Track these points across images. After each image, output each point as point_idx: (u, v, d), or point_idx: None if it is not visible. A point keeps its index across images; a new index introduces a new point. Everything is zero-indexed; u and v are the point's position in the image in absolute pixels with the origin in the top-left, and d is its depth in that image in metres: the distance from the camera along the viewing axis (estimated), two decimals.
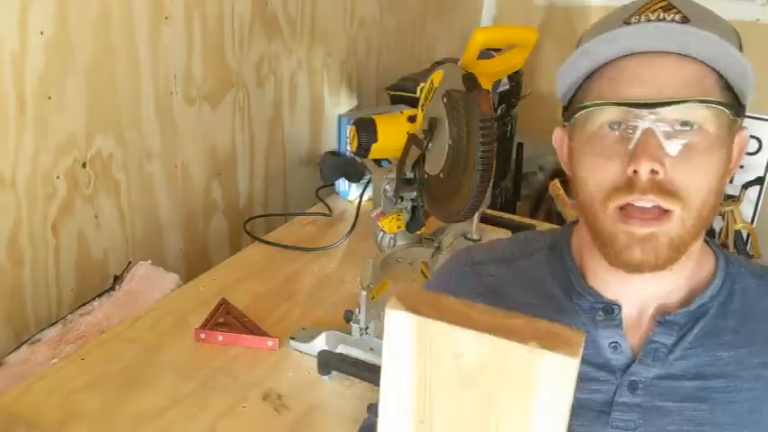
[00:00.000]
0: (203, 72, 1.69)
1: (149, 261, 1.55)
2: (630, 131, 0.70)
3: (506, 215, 1.96)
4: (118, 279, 1.51)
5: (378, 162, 1.65)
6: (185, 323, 1.39)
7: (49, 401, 1.18)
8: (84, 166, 1.47)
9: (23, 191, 1.36)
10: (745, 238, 2.34)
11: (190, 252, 1.79)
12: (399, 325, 0.46)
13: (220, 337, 1.34)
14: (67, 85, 1.40)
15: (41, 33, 1.32)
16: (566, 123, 0.79)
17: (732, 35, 0.76)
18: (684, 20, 0.71)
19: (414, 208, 1.51)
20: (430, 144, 1.37)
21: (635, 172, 0.69)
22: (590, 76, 0.75)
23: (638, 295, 0.79)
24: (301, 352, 1.32)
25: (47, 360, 1.31)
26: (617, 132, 0.72)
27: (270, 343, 1.33)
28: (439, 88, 1.36)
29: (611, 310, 0.79)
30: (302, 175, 2.10)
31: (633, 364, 0.78)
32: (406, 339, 0.46)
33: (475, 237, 1.61)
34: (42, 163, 1.39)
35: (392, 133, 1.53)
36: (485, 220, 1.69)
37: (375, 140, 1.52)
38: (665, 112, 0.69)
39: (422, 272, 1.51)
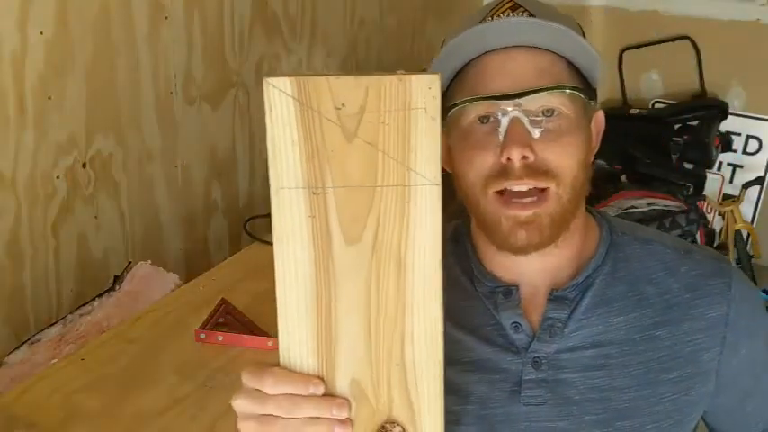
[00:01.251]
0: (203, 72, 1.69)
1: (149, 261, 1.55)
2: (499, 123, 0.76)
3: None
4: (118, 279, 1.51)
5: None
6: (185, 323, 1.39)
7: (49, 401, 1.18)
8: (84, 166, 1.47)
9: (23, 191, 1.37)
10: (745, 238, 2.35)
11: (190, 252, 1.79)
12: (280, 92, 0.49)
13: (220, 337, 1.34)
14: (67, 85, 1.40)
15: (41, 33, 1.32)
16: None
17: (575, 26, 0.82)
18: (530, 16, 0.78)
19: None
20: None
21: (508, 159, 0.75)
22: (455, 77, 0.81)
23: (532, 274, 0.83)
24: None
25: (47, 360, 1.31)
26: (487, 125, 0.77)
27: (270, 343, 1.33)
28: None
29: (509, 291, 0.83)
30: None
31: (533, 342, 0.81)
32: (289, 106, 0.49)
33: None
34: (42, 163, 1.39)
35: None
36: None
37: None
38: (527, 101, 0.75)
39: None
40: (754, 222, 2.40)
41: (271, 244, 0.57)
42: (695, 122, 2.37)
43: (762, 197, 2.41)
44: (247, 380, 0.63)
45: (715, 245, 2.21)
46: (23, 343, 1.36)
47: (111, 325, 1.40)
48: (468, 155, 0.78)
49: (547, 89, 0.76)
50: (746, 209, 2.37)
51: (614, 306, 0.81)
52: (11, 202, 1.35)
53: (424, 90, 0.50)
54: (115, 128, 1.52)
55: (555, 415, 0.80)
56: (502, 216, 0.77)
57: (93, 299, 1.47)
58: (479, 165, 0.77)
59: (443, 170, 0.55)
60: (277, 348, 1.32)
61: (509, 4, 0.80)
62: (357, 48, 2.21)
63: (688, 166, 2.28)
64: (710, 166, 2.35)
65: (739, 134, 2.45)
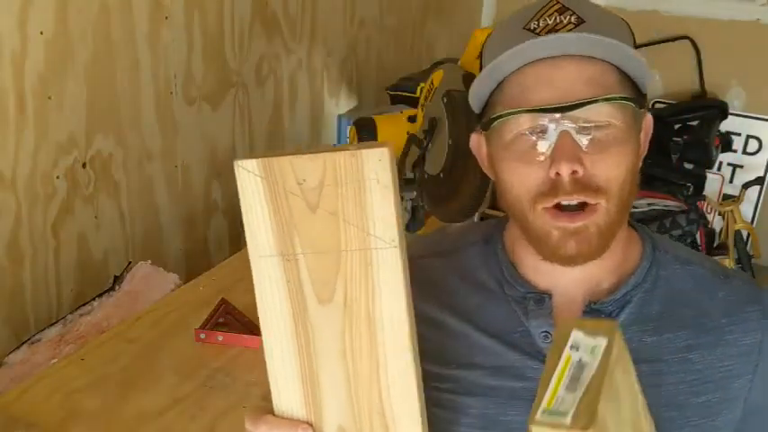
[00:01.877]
0: (203, 72, 1.69)
1: (149, 261, 1.55)
2: (546, 135, 0.74)
3: (506, 215, 1.95)
4: (118, 279, 1.51)
5: None
6: (185, 323, 1.39)
7: (49, 401, 1.18)
8: (84, 166, 1.47)
9: (23, 191, 1.36)
10: (745, 238, 2.34)
11: (190, 252, 1.79)
12: (248, 172, 0.55)
13: (220, 337, 1.34)
14: (67, 85, 1.40)
15: (41, 33, 1.32)
16: (483, 131, 0.82)
17: (624, 29, 0.80)
18: (579, 20, 0.75)
19: (414, 208, 1.52)
20: (430, 144, 1.37)
21: (557, 174, 0.73)
22: (500, 84, 0.79)
23: (569, 285, 0.82)
24: None
25: (47, 360, 1.31)
26: (533, 137, 0.75)
27: None
28: (439, 88, 1.36)
29: (541, 299, 0.82)
30: None
31: None
32: (257, 184, 0.55)
33: None
34: (42, 163, 1.39)
35: (392, 133, 1.53)
36: (485, 219, 1.70)
37: (375, 140, 1.52)
38: (575, 113, 0.73)
39: None
40: (754, 222, 2.40)
41: None
42: (695, 122, 2.37)
43: (762, 197, 2.41)
44: (248, 425, 0.65)
45: (715, 245, 2.21)
46: (23, 343, 1.36)
47: (111, 325, 1.40)
48: (513, 166, 0.76)
49: (596, 101, 0.73)
50: (746, 209, 2.37)
51: (649, 325, 0.80)
52: (11, 202, 1.35)
53: (375, 162, 0.54)
54: (115, 128, 1.52)
55: None
56: (551, 228, 0.75)
57: (93, 299, 1.47)
58: (526, 179, 0.75)
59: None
60: None
61: (556, 7, 0.77)
62: (357, 48, 2.21)
63: (688, 166, 2.28)
64: (710, 166, 2.35)
65: (739, 134, 2.45)
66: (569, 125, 0.73)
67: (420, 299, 0.65)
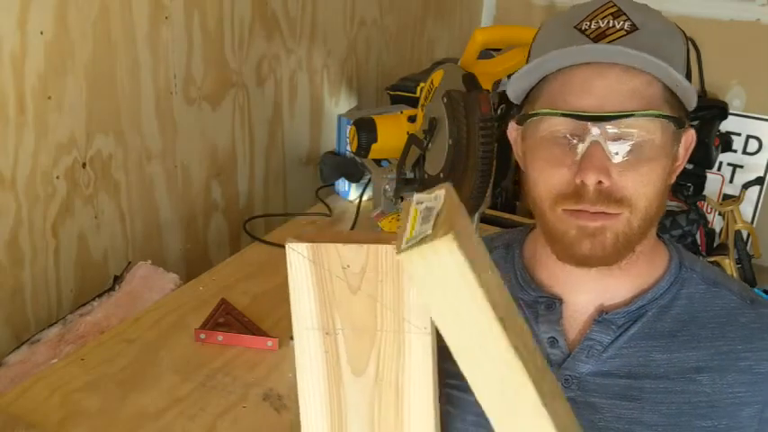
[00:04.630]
0: (203, 72, 1.69)
1: (149, 261, 1.55)
2: (578, 142, 0.73)
3: (506, 215, 1.96)
4: (118, 279, 1.51)
5: (378, 162, 1.65)
6: (185, 323, 1.39)
7: (49, 401, 1.18)
8: (84, 166, 1.47)
9: (23, 191, 1.36)
10: (745, 238, 2.34)
11: (190, 252, 1.79)
12: (298, 254, 0.59)
13: (220, 337, 1.34)
14: (67, 85, 1.40)
15: (41, 33, 1.32)
16: (519, 123, 0.82)
17: (677, 40, 0.79)
18: (633, 28, 0.74)
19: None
20: (430, 144, 1.37)
21: (582, 182, 0.73)
22: (541, 81, 0.78)
23: (582, 292, 0.81)
24: None
25: (47, 360, 1.31)
26: (566, 141, 0.75)
27: (270, 343, 1.33)
28: (439, 88, 1.36)
29: (551, 304, 0.82)
30: (302, 175, 2.10)
31: (567, 360, 0.80)
32: (306, 265, 0.59)
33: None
34: (42, 163, 1.39)
35: (392, 133, 1.53)
36: (485, 220, 1.70)
37: (375, 140, 1.53)
38: (610, 124, 0.72)
39: None
40: (754, 222, 2.40)
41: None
42: (695, 122, 2.36)
43: (762, 197, 2.41)
44: None
45: (715, 245, 2.21)
46: (23, 343, 1.36)
47: (111, 325, 1.40)
48: (541, 165, 0.77)
49: (633, 114, 0.72)
50: (746, 209, 2.37)
51: (660, 342, 0.79)
52: (11, 202, 1.35)
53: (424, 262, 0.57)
54: (115, 128, 1.52)
55: None
56: (569, 227, 0.75)
57: (93, 299, 1.47)
58: (552, 180, 0.75)
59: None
60: (276, 349, 1.34)
61: (611, 10, 0.75)
62: (357, 48, 2.21)
63: (688, 166, 2.27)
64: (710, 167, 2.35)
65: (739, 134, 2.45)
66: (602, 135, 0.72)
67: None
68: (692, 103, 0.78)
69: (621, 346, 0.79)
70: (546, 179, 0.76)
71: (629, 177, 0.73)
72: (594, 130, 0.72)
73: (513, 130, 0.85)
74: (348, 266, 0.58)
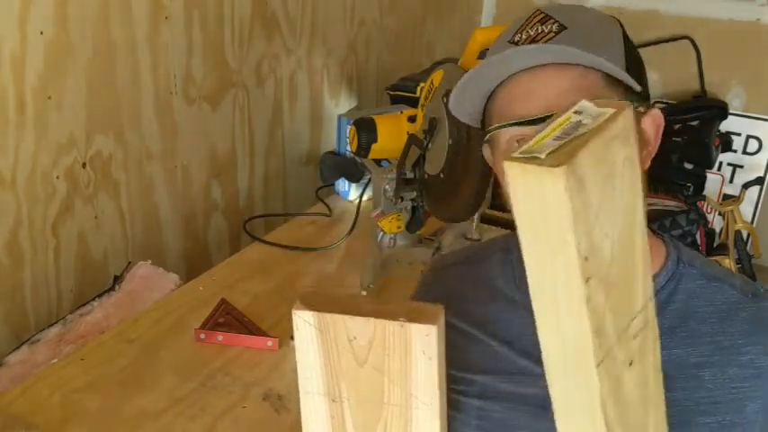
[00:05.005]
0: (203, 72, 1.69)
1: (149, 261, 1.55)
2: None
3: (506, 215, 1.95)
4: (118, 279, 1.51)
5: (378, 162, 1.65)
6: (185, 323, 1.39)
7: (49, 401, 1.18)
8: (84, 166, 1.47)
9: (23, 191, 1.36)
10: (745, 238, 2.34)
11: (190, 252, 1.79)
12: (304, 322, 0.57)
13: (220, 337, 1.34)
14: (67, 85, 1.40)
15: (41, 33, 1.32)
16: (486, 143, 0.86)
17: (609, 30, 0.80)
18: (561, 28, 0.76)
19: (414, 208, 1.51)
20: (430, 144, 1.37)
21: None
22: (491, 96, 0.81)
23: None
24: None
25: (47, 360, 1.31)
26: None
27: (270, 343, 1.33)
28: (439, 88, 1.36)
29: None
30: (302, 175, 2.10)
31: None
32: (312, 333, 0.57)
33: (475, 237, 1.62)
34: (42, 163, 1.39)
35: (392, 133, 1.53)
36: (485, 220, 1.69)
37: (375, 140, 1.53)
38: None
39: (421, 272, 1.51)
40: (754, 222, 2.40)
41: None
42: (695, 122, 2.36)
43: (762, 197, 2.41)
44: None
45: (715, 245, 2.21)
46: (23, 343, 1.36)
47: (111, 325, 1.40)
48: None
49: None
50: (746, 209, 2.37)
51: (659, 338, 0.80)
52: (11, 202, 1.35)
53: (423, 337, 0.56)
54: (115, 128, 1.52)
55: None
56: None
57: (93, 299, 1.47)
58: None
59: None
60: (276, 348, 1.34)
61: (539, 17, 0.79)
62: (357, 48, 2.21)
63: (688, 166, 2.28)
64: (710, 166, 2.35)
65: (739, 134, 2.45)
66: None
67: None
68: (635, 86, 0.79)
69: None
70: None
71: None
72: None
73: (487, 153, 0.89)
74: (355, 338, 0.57)
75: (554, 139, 0.50)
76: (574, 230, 0.49)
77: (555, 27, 0.77)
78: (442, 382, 0.59)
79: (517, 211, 0.51)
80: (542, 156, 0.48)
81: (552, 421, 0.80)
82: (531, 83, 0.76)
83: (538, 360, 0.81)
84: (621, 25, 0.83)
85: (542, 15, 0.79)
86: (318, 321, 0.57)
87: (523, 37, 0.78)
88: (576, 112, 0.52)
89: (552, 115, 0.74)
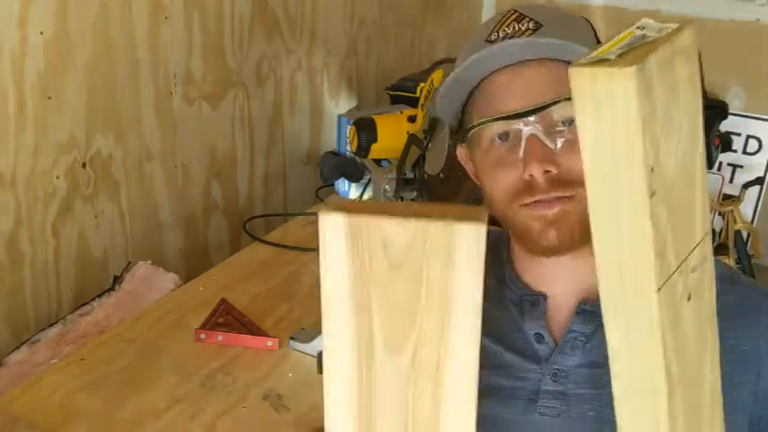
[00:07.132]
0: (203, 72, 1.69)
1: (149, 261, 1.55)
2: (516, 141, 0.78)
3: None
4: (118, 279, 1.51)
5: (378, 162, 1.65)
6: (185, 323, 1.39)
7: (49, 401, 1.18)
8: (84, 166, 1.47)
9: (23, 191, 1.36)
10: (745, 238, 2.34)
11: (190, 252, 1.79)
12: (333, 226, 0.52)
13: (220, 337, 1.34)
14: (67, 85, 1.40)
15: (41, 33, 1.32)
16: (463, 143, 0.87)
17: (583, 27, 0.82)
18: (537, 25, 0.78)
19: None
20: (430, 144, 1.37)
21: (531, 176, 0.76)
22: (471, 96, 0.82)
23: (563, 286, 0.83)
24: (301, 352, 1.32)
25: (47, 360, 1.31)
26: (506, 142, 0.79)
27: (270, 343, 1.33)
28: (439, 88, 1.35)
29: (536, 301, 0.84)
30: (302, 175, 2.10)
31: (553, 354, 0.81)
32: (340, 238, 0.52)
33: None
34: (42, 163, 1.39)
35: (392, 133, 1.53)
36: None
37: (375, 140, 1.53)
38: (539, 116, 0.76)
39: None
40: (754, 222, 2.40)
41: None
42: None
43: (762, 197, 2.41)
44: None
45: (715, 245, 2.21)
46: (23, 343, 1.36)
47: (111, 325, 1.40)
48: (492, 172, 0.80)
49: (558, 101, 0.75)
50: (746, 209, 2.37)
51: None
52: (11, 202, 1.35)
53: (469, 239, 0.52)
54: (115, 128, 1.52)
55: (568, 428, 0.79)
56: (532, 219, 0.77)
57: (93, 299, 1.47)
58: (504, 182, 0.79)
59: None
60: (276, 348, 1.34)
61: (513, 16, 0.80)
62: (357, 48, 2.21)
63: None
64: (710, 166, 2.35)
65: (739, 134, 2.45)
66: (536, 128, 0.76)
67: None
68: None
69: (603, 335, 0.80)
70: (498, 183, 0.80)
71: (573, 158, 0.75)
72: (527, 126, 0.76)
73: (462, 154, 0.90)
74: (389, 242, 0.52)
75: (619, 49, 0.48)
76: (642, 134, 0.46)
77: (531, 24, 0.78)
78: (482, 288, 0.54)
79: (582, 123, 0.48)
80: (612, 58, 0.46)
81: (540, 414, 0.80)
82: (513, 80, 0.78)
83: (524, 354, 0.82)
84: (590, 23, 0.85)
85: (517, 14, 0.80)
86: (348, 224, 0.52)
87: (500, 35, 0.79)
88: (638, 28, 0.51)
89: (540, 108, 0.75)
